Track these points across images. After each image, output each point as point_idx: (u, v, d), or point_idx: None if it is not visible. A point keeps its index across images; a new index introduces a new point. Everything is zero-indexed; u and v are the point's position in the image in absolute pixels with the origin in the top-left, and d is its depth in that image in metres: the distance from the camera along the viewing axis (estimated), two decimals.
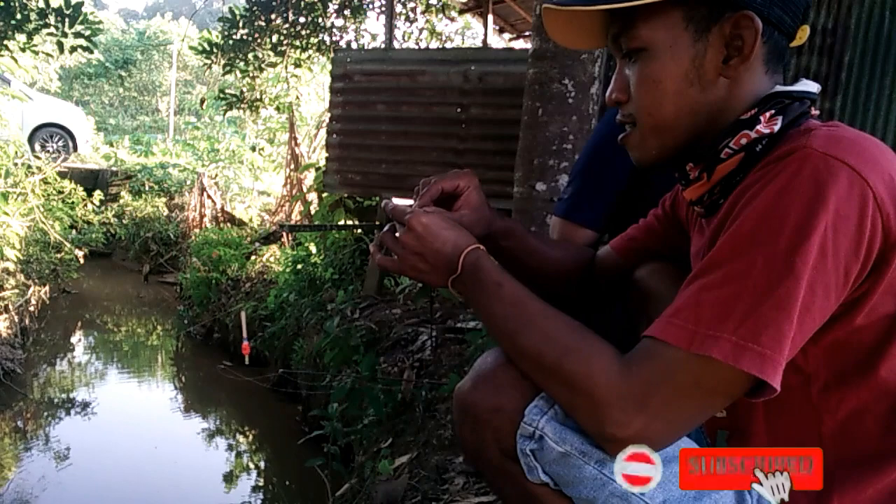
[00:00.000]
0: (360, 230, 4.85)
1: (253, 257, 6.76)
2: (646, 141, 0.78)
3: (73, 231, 7.62)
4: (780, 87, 0.73)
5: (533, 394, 0.75)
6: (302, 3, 7.02)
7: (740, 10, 0.69)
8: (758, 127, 0.71)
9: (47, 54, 6.75)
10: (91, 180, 9.41)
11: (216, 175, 9.58)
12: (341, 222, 4.92)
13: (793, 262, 0.60)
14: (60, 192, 7.25)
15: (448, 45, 7.83)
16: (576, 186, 1.47)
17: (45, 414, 4.35)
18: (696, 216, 0.86)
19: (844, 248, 0.61)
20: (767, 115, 0.71)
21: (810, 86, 0.74)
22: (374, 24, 9.74)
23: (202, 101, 11.18)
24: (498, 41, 7.37)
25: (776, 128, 0.71)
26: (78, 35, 6.05)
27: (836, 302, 0.63)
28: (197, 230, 8.11)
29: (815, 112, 0.75)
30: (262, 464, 4.00)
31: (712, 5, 0.71)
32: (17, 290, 5.46)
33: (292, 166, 7.82)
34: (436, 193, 0.93)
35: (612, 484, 0.68)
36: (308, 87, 10.12)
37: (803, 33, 0.76)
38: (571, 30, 0.82)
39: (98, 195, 8.19)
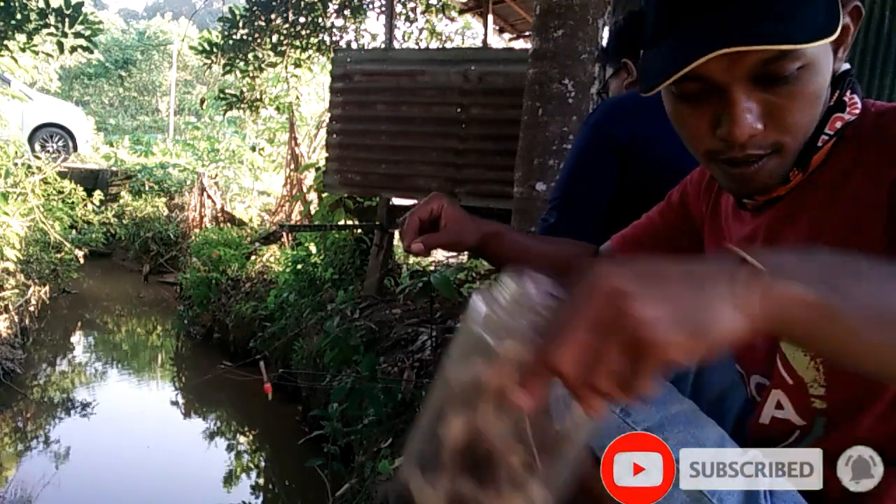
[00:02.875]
0: (360, 230, 4.85)
1: (253, 257, 6.75)
2: (785, 165, 0.69)
3: (73, 231, 7.60)
4: (845, 66, 0.71)
5: None
6: (302, 3, 7.02)
7: (853, 2, 0.67)
8: (849, 109, 0.70)
9: (47, 54, 6.74)
10: (91, 180, 9.39)
11: (216, 175, 9.57)
12: (341, 222, 4.92)
13: None
14: (60, 192, 7.24)
15: (448, 45, 7.82)
16: (559, 214, 1.46)
17: (45, 414, 4.35)
18: (732, 207, 0.83)
19: None
20: (847, 94, 0.70)
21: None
22: (374, 24, 9.74)
23: (202, 101, 11.17)
24: (498, 41, 7.37)
25: (858, 109, 0.70)
26: (78, 35, 6.05)
27: None
28: (197, 230, 8.10)
29: None
30: (262, 464, 4.00)
31: None
32: (17, 290, 5.45)
33: (292, 166, 7.81)
34: (415, 226, 0.93)
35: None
36: (308, 87, 10.10)
37: None
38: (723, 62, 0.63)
39: (98, 195, 8.17)
